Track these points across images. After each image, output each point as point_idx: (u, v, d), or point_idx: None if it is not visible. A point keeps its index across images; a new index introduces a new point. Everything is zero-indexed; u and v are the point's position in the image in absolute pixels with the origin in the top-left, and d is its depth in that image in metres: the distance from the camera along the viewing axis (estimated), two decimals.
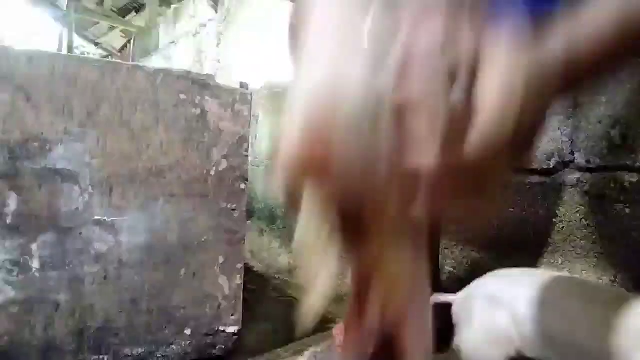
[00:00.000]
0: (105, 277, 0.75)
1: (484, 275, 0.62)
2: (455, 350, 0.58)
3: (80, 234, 0.73)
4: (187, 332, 0.82)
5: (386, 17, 0.32)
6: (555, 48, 0.32)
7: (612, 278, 0.82)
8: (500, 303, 0.56)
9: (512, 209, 0.93)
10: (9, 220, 0.69)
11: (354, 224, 0.35)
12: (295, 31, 0.58)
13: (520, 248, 0.92)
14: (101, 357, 0.76)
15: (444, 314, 0.60)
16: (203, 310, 0.83)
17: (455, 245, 1.05)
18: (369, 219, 0.34)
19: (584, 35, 0.33)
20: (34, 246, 0.70)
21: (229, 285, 0.85)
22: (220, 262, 0.84)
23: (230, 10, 3.05)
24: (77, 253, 0.73)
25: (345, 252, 0.38)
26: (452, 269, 1.05)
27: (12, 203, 0.69)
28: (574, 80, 0.35)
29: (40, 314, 0.71)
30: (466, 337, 0.57)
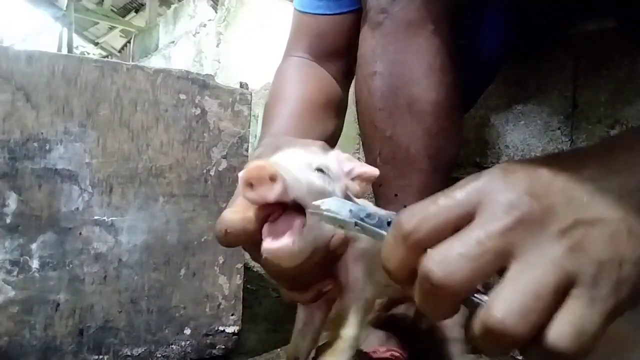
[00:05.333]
0: (105, 277, 0.75)
1: None
2: None
3: (80, 234, 0.73)
4: (187, 332, 0.82)
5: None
6: None
7: None
8: None
9: None
10: (8, 220, 0.69)
11: None
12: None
13: None
14: (101, 357, 0.76)
15: None
16: (203, 310, 0.83)
17: None
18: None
19: None
20: (33, 246, 0.70)
21: (228, 285, 0.85)
22: (220, 262, 0.84)
23: (230, 10, 3.04)
24: (77, 253, 0.73)
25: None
26: None
27: (12, 203, 0.69)
28: None
29: (40, 314, 0.71)
30: None
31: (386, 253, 0.30)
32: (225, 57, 3.06)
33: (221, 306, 0.85)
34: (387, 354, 0.63)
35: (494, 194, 0.27)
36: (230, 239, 0.39)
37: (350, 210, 0.33)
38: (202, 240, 0.83)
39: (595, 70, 0.82)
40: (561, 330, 0.25)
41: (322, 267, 0.41)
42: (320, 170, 0.39)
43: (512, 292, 0.26)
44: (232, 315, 0.86)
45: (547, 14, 0.77)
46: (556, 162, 0.30)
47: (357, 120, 0.68)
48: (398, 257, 0.29)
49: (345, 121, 0.77)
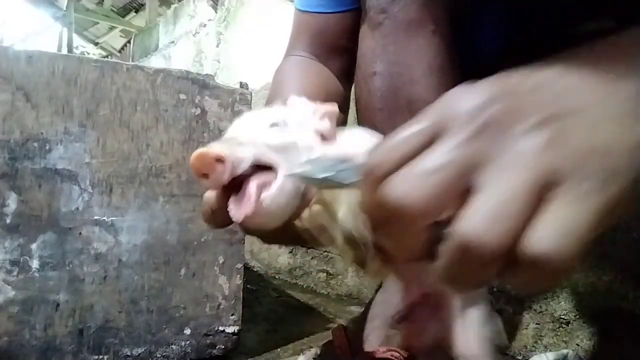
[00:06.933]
0: (104, 277, 0.75)
1: None
2: None
3: (80, 234, 0.73)
4: (187, 332, 0.82)
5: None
6: None
7: (612, 278, 0.82)
8: None
9: None
10: (8, 220, 0.69)
11: None
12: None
13: None
14: (101, 357, 0.76)
15: None
16: (203, 310, 0.83)
17: None
18: None
19: None
20: (33, 246, 0.70)
21: (228, 285, 0.85)
22: (220, 262, 0.84)
23: (230, 10, 3.05)
24: (76, 253, 0.73)
25: None
26: None
27: (12, 203, 0.69)
28: None
29: (40, 314, 0.71)
30: None
31: (362, 198, 0.26)
32: (225, 57, 3.06)
33: (221, 306, 0.85)
34: (387, 354, 0.63)
35: (456, 107, 0.25)
36: (218, 218, 0.37)
37: (324, 167, 0.30)
38: (202, 240, 0.83)
39: None
40: (543, 234, 0.21)
41: None
42: (275, 125, 0.37)
43: (484, 200, 0.22)
44: (232, 315, 0.86)
45: (547, 14, 0.77)
46: (527, 67, 0.27)
47: (357, 120, 0.68)
48: (371, 198, 0.25)
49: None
